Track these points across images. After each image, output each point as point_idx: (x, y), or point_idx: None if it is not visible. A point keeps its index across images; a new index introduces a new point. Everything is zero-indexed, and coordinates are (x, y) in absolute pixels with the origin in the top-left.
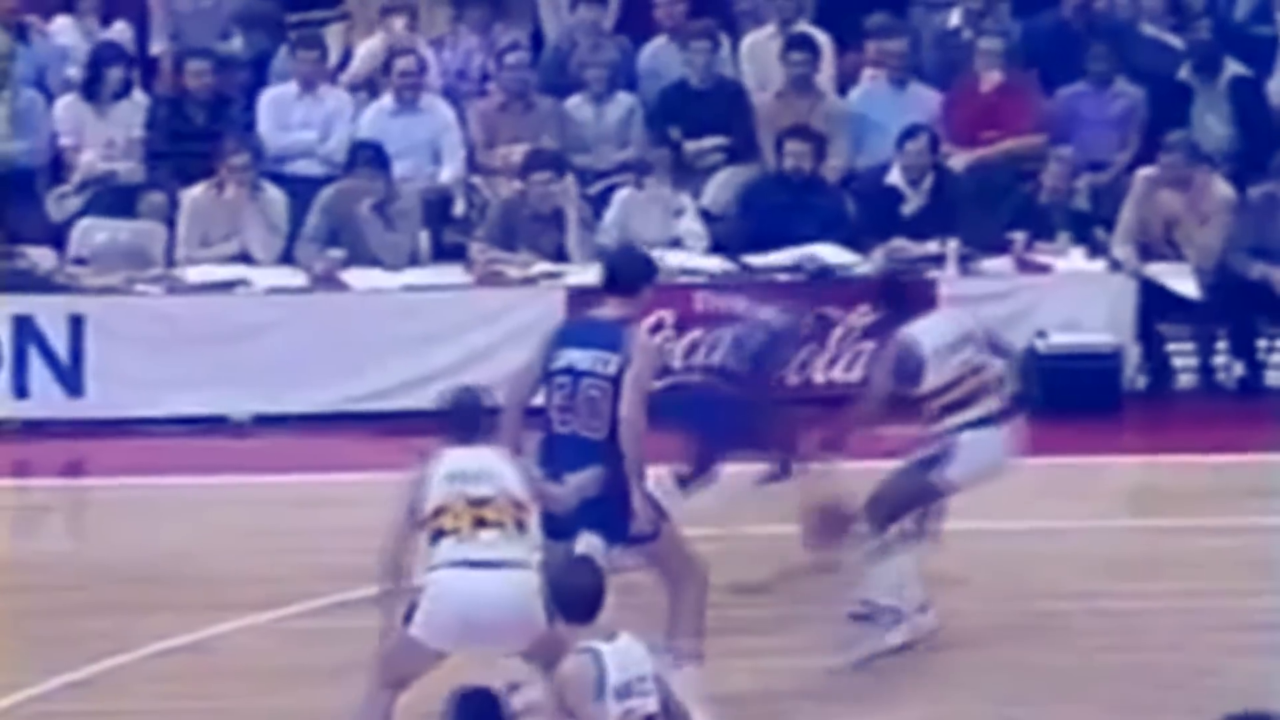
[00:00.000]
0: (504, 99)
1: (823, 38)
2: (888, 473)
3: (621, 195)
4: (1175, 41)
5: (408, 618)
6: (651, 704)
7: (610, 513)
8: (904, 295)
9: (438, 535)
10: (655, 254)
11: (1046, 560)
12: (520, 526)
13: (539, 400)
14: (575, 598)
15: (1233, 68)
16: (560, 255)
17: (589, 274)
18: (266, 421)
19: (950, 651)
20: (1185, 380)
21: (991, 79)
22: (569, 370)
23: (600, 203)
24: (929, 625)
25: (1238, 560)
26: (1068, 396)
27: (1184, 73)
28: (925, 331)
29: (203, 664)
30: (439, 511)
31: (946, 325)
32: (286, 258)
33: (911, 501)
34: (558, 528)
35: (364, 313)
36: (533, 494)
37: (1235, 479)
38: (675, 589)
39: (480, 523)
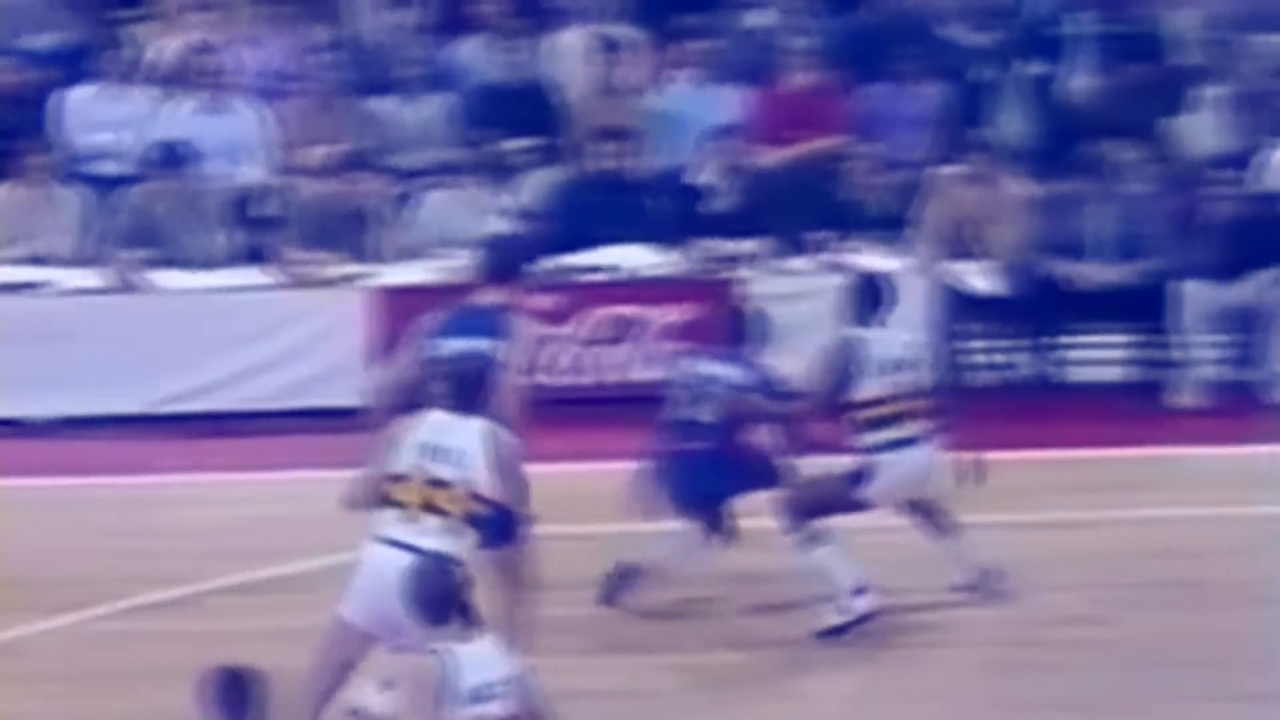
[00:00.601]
0: (314, 99)
1: (634, 37)
2: (813, 476)
3: (433, 196)
4: (976, 41)
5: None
6: (505, 708)
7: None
8: (878, 296)
9: (386, 503)
10: (467, 255)
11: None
12: (471, 520)
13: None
14: (432, 598)
15: (1032, 67)
16: (370, 255)
17: (399, 274)
18: (70, 424)
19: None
20: (986, 377)
21: (799, 79)
22: (449, 360)
23: (411, 203)
24: (862, 608)
25: (1045, 556)
26: None
27: (984, 72)
28: (878, 340)
29: (9, 667)
30: (397, 478)
31: (897, 341)
32: (90, 259)
33: (830, 509)
34: None
35: (169, 314)
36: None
37: (1037, 475)
38: (509, 599)
39: (429, 506)
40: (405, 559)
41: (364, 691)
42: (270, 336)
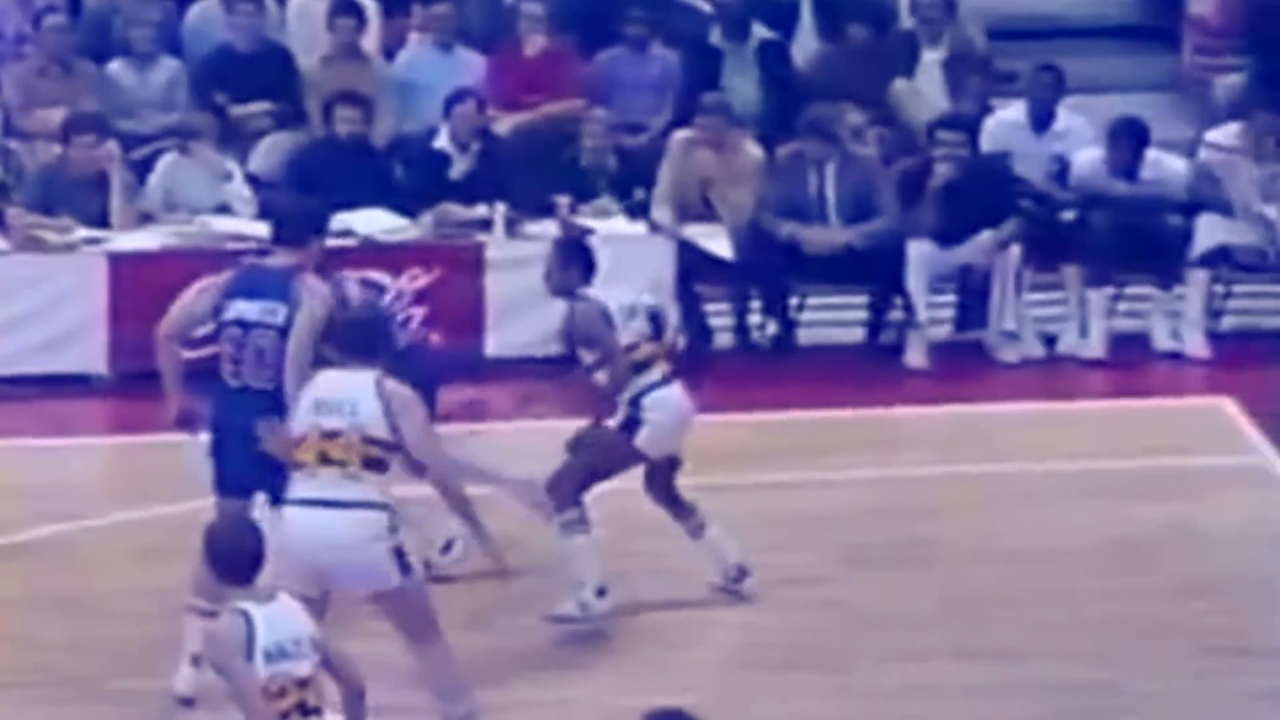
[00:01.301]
0: (42, 62)
1: (369, 2)
2: (581, 436)
3: (167, 160)
4: (705, 7)
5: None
6: (304, 667)
7: (280, 470)
8: (589, 257)
9: (293, 468)
10: (201, 220)
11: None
12: (370, 464)
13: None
14: (232, 558)
15: (760, 32)
16: (103, 221)
17: (132, 239)
18: None
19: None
20: (722, 340)
21: (534, 43)
22: (239, 322)
23: (145, 168)
24: (601, 609)
25: (776, 517)
26: None
27: (715, 37)
28: (606, 296)
29: None
30: (298, 442)
31: (620, 292)
32: None
33: (609, 470)
34: (233, 484)
35: None
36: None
37: (771, 437)
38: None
39: (324, 459)
40: (328, 515)
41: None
42: (3, 302)
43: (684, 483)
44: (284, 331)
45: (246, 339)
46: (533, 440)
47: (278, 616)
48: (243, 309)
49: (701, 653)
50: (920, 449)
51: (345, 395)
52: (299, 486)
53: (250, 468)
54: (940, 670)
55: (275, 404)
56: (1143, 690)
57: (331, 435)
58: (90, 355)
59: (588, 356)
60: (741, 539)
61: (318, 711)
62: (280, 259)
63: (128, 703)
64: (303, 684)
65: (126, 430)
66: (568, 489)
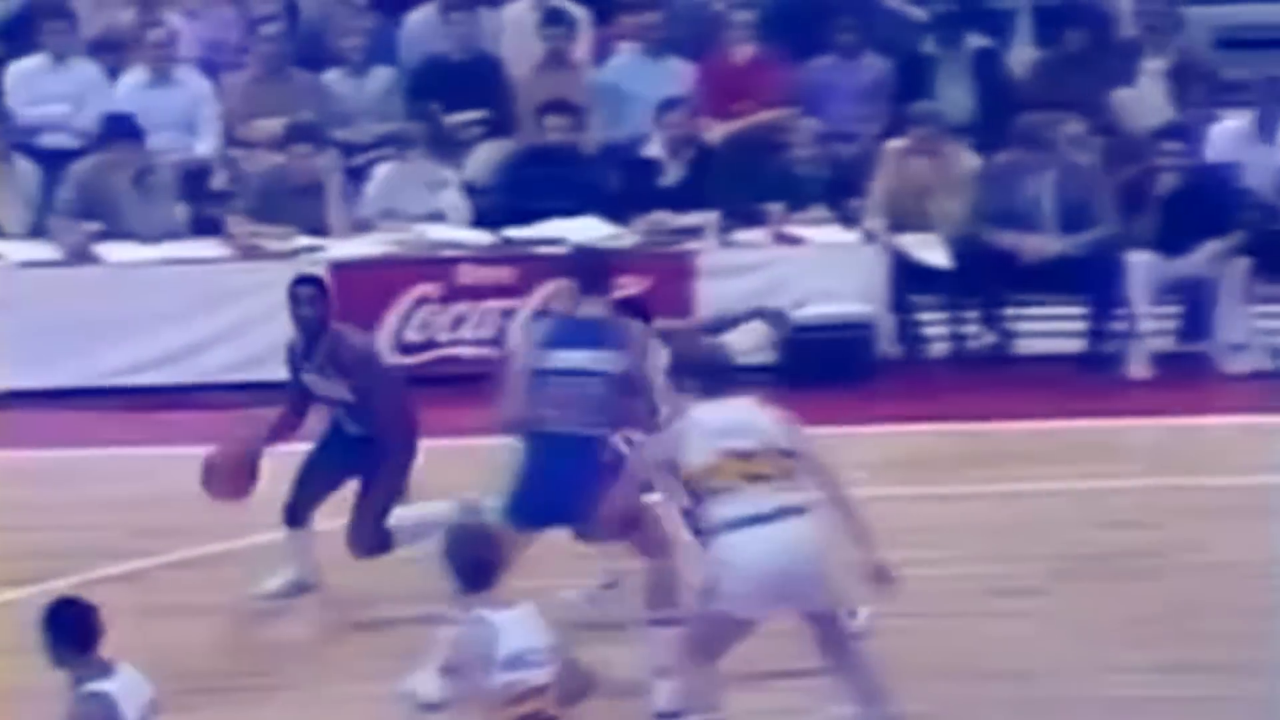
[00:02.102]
0: (260, 71)
1: (578, 10)
2: None
3: (383, 169)
4: (917, 14)
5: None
6: (541, 676)
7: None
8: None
9: (707, 496)
10: (417, 228)
11: None
12: (788, 475)
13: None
14: (473, 565)
15: (974, 40)
16: (321, 229)
17: (350, 247)
18: (17, 396)
19: None
20: (937, 349)
21: (743, 51)
22: (567, 371)
23: (361, 176)
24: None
25: (991, 526)
26: (822, 367)
27: (927, 45)
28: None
29: None
30: (707, 472)
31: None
32: (40, 232)
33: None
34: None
35: (119, 286)
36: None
37: (988, 445)
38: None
39: (748, 478)
40: (783, 524)
41: (419, 676)
42: (220, 309)
43: (902, 491)
44: (617, 379)
45: (576, 387)
46: None
47: (517, 624)
48: (569, 358)
49: (920, 661)
50: (1139, 460)
51: (743, 418)
52: (736, 507)
53: (561, 514)
54: (1153, 683)
55: (596, 449)
56: None
57: (747, 455)
58: None
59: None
60: (956, 548)
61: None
62: (591, 308)
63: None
64: (539, 692)
65: None
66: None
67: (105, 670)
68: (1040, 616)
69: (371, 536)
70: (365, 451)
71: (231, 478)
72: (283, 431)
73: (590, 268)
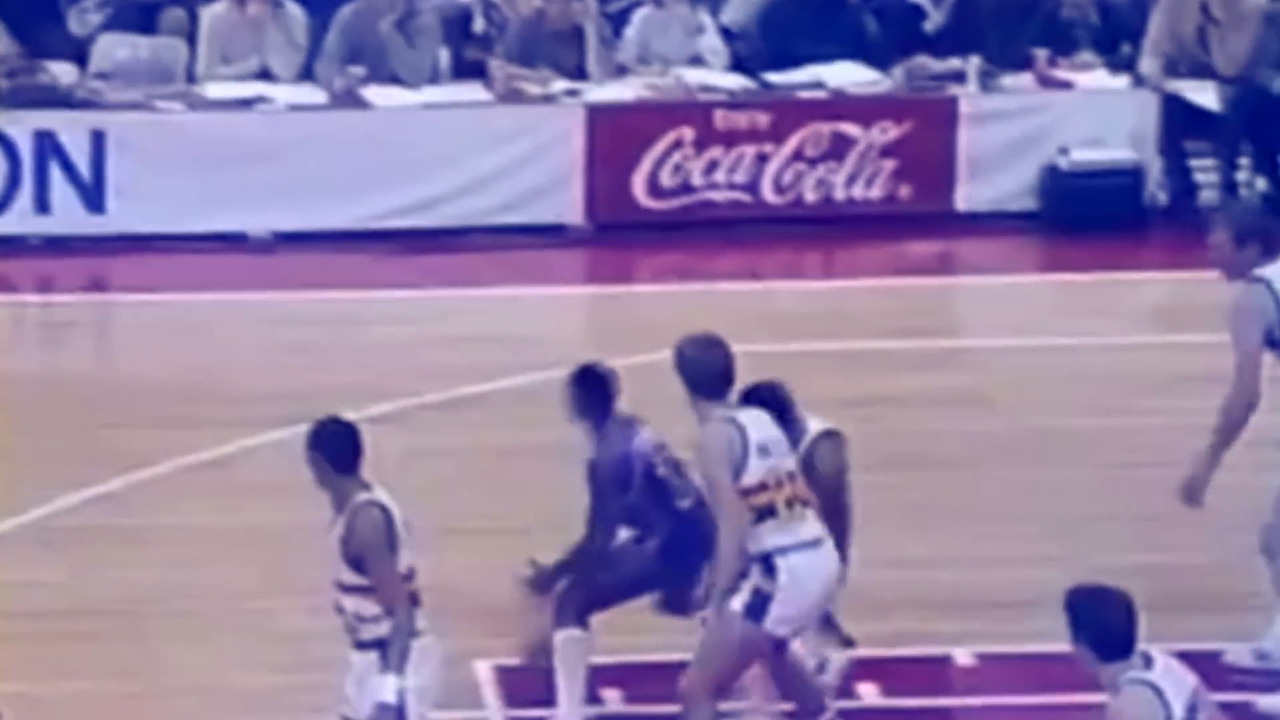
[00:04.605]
0: None
1: None
2: None
3: (642, 13)
4: None
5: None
6: (790, 463)
7: None
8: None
9: (764, 514)
10: (675, 72)
11: (1076, 377)
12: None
13: None
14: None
15: None
16: (580, 73)
17: (608, 91)
18: (287, 239)
19: (977, 469)
20: (1208, 196)
21: None
22: None
23: (620, 21)
24: None
25: (1266, 376)
26: (1090, 213)
27: None
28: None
29: (226, 479)
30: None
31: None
32: (307, 75)
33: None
34: None
35: (385, 130)
36: None
37: None
38: None
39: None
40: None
41: None
42: (485, 153)
43: (1171, 339)
44: None
45: None
46: None
47: (758, 419)
48: None
49: (1191, 512)
50: None
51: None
52: (796, 532)
53: None
54: None
55: None
56: None
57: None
58: (567, 206)
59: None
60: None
61: None
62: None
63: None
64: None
65: (601, 280)
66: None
67: (367, 486)
68: None
69: None
70: None
71: None
72: None
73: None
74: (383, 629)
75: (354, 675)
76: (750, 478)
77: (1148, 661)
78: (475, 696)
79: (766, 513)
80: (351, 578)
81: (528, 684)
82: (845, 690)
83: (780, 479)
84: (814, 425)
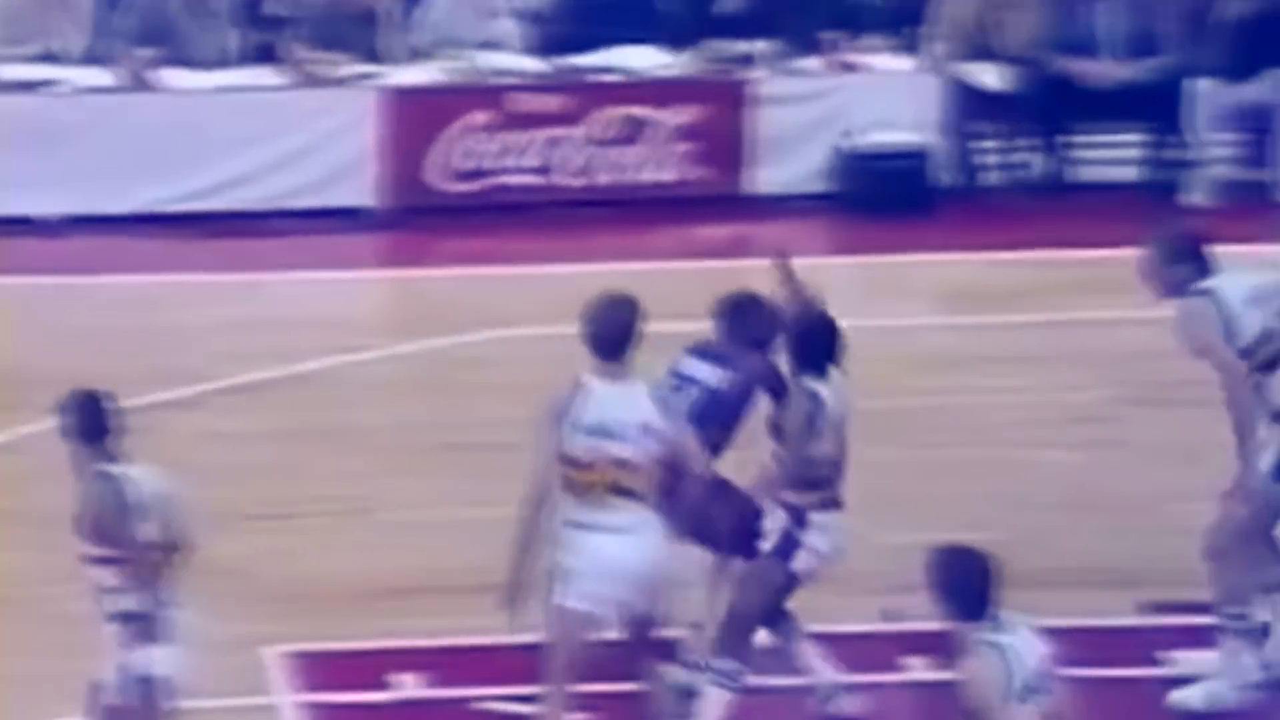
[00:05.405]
0: None
1: None
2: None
3: None
4: None
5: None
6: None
7: None
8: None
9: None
10: (470, 55)
11: (867, 358)
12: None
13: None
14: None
15: None
16: (375, 56)
17: (403, 74)
18: (76, 223)
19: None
20: (995, 178)
21: None
22: None
23: (414, 3)
24: None
25: (1059, 355)
26: (878, 195)
27: None
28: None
29: (10, 465)
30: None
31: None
32: (95, 58)
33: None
34: None
35: (176, 113)
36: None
37: (1046, 275)
38: None
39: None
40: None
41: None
42: (279, 136)
43: (962, 320)
44: None
45: None
46: None
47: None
48: None
49: (990, 490)
50: None
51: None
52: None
53: None
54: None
55: None
56: None
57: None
58: (362, 189)
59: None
60: (1024, 377)
61: None
62: None
63: (394, 535)
64: None
65: (397, 264)
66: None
67: (111, 459)
68: (1114, 444)
69: None
70: None
71: None
72: None
73: None
74: (126, 602)
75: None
76: (574, 451)
77: (1002, 625)
78: (262, 682)
79: (570, 488)
80: (91, 549)
81: (316, 670)
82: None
83: (598, 461)
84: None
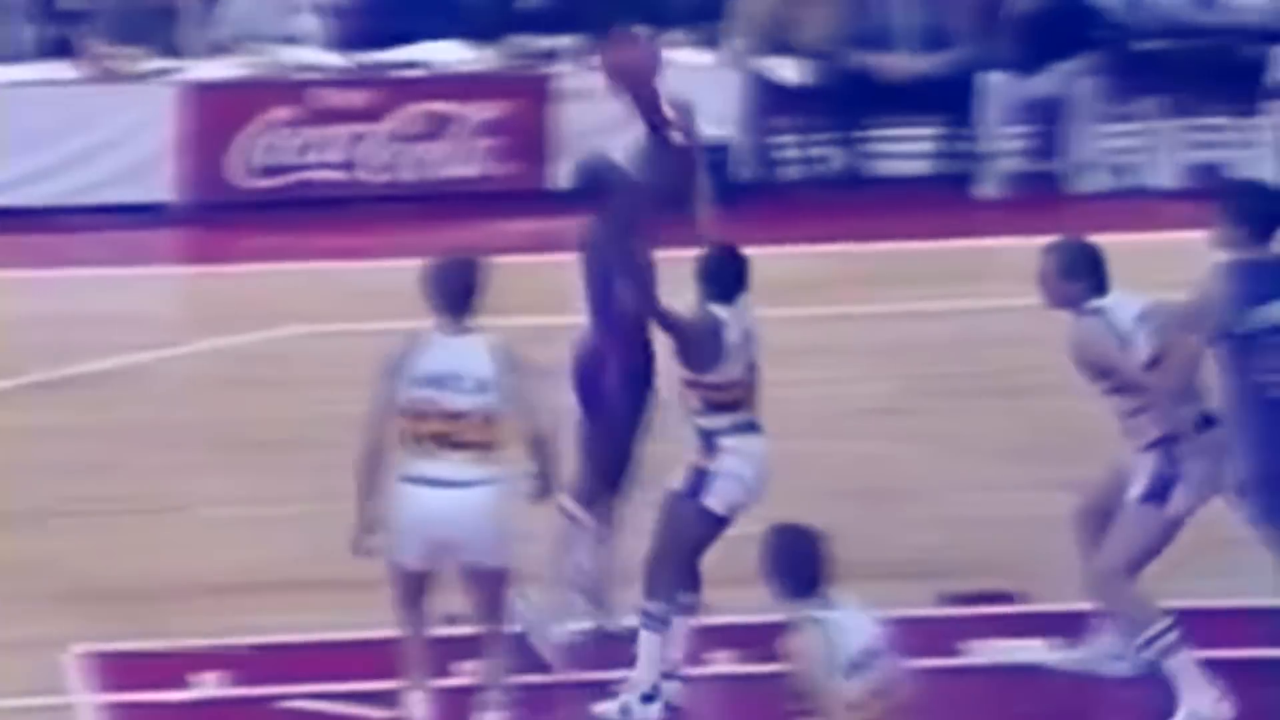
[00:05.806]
0: None
1: None
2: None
3: None
4: None
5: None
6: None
7: None
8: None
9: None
10: (271, 50)
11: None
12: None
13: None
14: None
15: None
16: (174, 50)
17: (204, 69)
18: None
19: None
20: (793, 171)
21: None
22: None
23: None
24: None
25: (855, 347)
26: None
27: None
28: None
29: None
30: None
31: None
32: None
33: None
34: None
35: None
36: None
37: (844, 267)
38: None
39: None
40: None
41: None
42: (77, 132)
43: (763, 314)
44: None
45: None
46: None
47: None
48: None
49: (787, 482)
50: (996, 280)
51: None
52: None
53: None
54: (1024, 501)
55: None
56: None
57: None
58: (162, 185)
59: None
60: (822, 369)
61: None
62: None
63: (214, 527)
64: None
65: (198, 260)
66: (658, 576)
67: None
68: (911, 436)
69: None
70: None
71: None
72: None
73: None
74: None
75: None
76: (408, 402)
77: (830, 603)
78: (60, 682)
79: (403, 440)
80: None
81: (117, 670)
82: None
83: (429, 412)
84: None
